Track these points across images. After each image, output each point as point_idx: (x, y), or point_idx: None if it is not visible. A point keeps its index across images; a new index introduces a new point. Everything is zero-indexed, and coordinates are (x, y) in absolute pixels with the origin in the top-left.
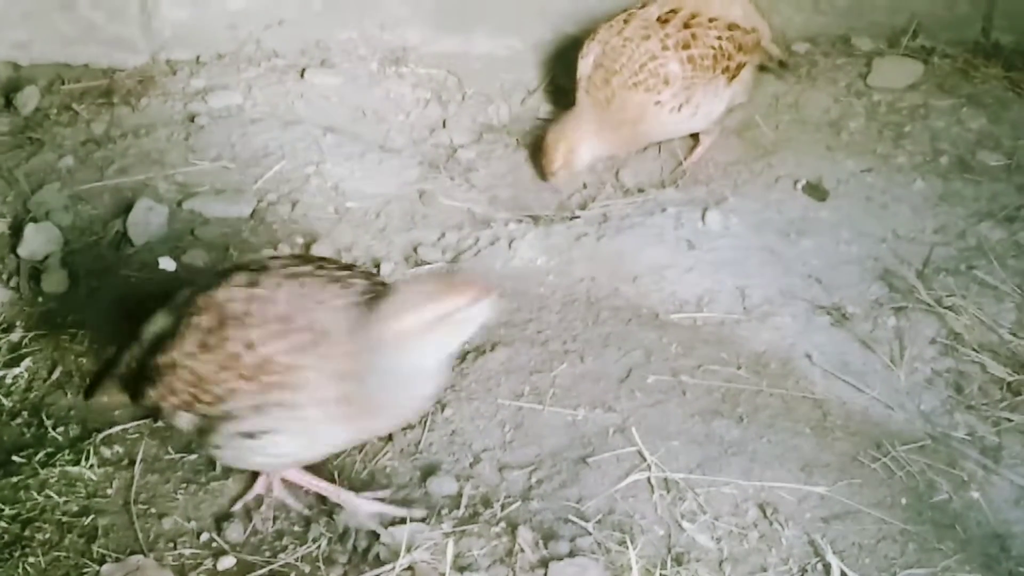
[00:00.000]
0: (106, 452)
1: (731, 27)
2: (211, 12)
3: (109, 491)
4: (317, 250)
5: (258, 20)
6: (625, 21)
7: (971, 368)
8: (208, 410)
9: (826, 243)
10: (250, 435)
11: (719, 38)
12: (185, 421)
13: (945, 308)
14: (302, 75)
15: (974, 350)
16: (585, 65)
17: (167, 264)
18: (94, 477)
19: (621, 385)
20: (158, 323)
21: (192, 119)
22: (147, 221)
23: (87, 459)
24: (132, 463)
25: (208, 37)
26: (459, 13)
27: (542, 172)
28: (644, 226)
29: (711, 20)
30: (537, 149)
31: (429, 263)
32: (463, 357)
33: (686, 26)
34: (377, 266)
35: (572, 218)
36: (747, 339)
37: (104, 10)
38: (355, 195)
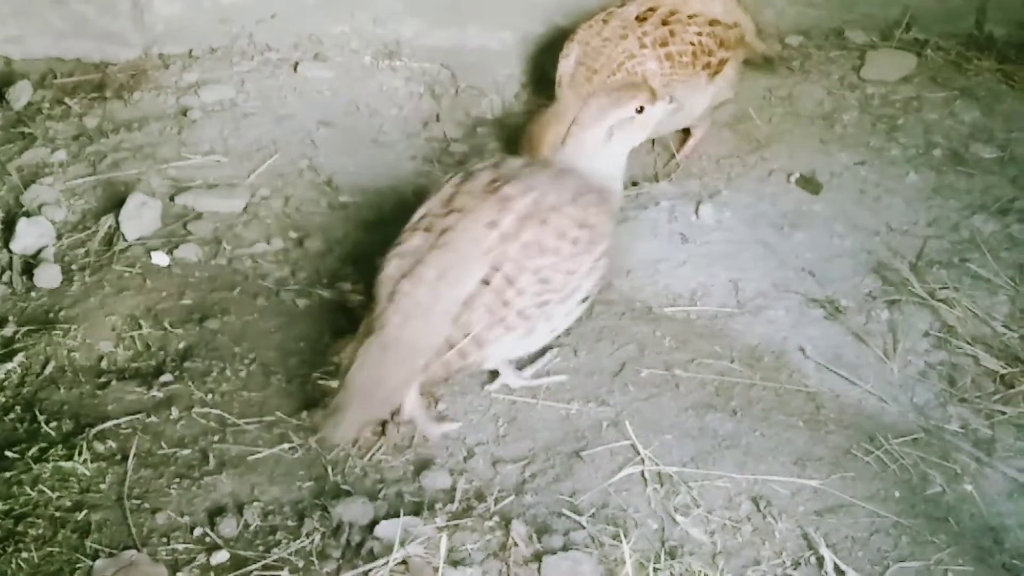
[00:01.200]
0: (99, 447)
1: (712, 23)
2: (203, 6)
3: (102, 486)
4: (309, 245)
5: (251, 14)
6: (604, 21)
7: (964, 361)
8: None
9: (820, 236)
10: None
11: (699, 34)
12: None
13: (938, 301)
14: (295, 69)
15: (967, 343)
16: (567, 64)
17: (160, 259)
18: (87, 472)
19: (615, 379)
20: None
21: (185, 113)
22: (140, 216)
23: (80, 454)
24: (125, 458)
25: (201, 31)
26: (452, 7)
27: None
28: (638, 220)
29: (690, 16)
30: (520, 140)
31: None
32: None
33: (664, 23)
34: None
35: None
36: (740, 332)
37: (96, 4)
38: (348, 189)
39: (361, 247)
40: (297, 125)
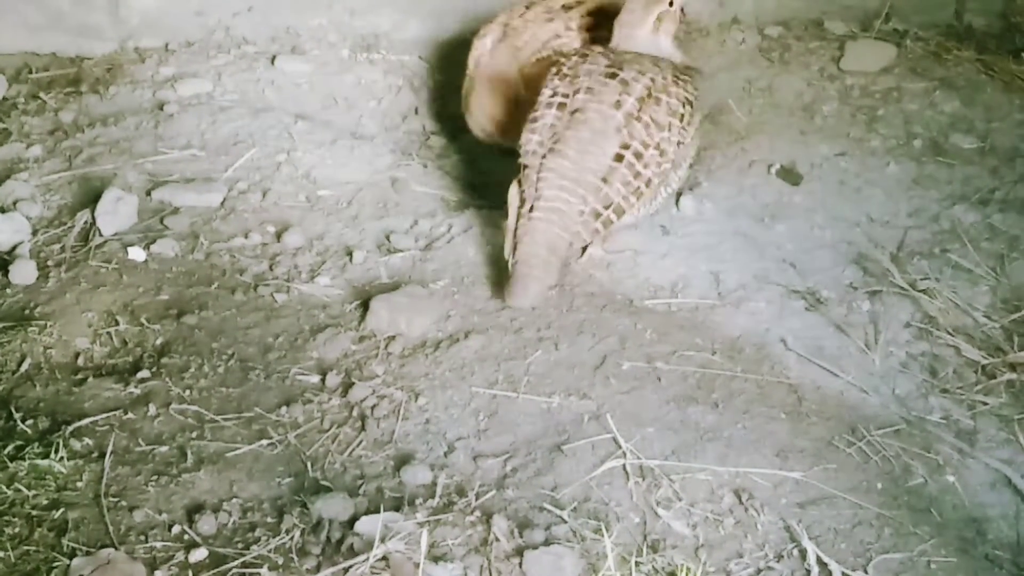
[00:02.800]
0: (76, 444)
1: None
2: None
3: (79, 484)
4: (288, 239)
5: (227, 7)
6: (527, 7)
7: (946, 352)
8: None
9: (800, 227)
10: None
11: None
12: None
13: (919, 292)
14: (272, 62)
15: (949, 333)
16: (483, 44)
17: (137, 254)
18: (64, 470)
19: (596, 372)
20: None
21: (161, 107)
22: (116, 211)
23: (56, 452)
24: (102, 455)
25: (177, 24)
26: None
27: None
28: None
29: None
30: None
31: (402, 251)
32: (436, 345)
33: (590, 14)
34: (349, 254)
35: None
36: (722, 324)
37: None
38: (327, 183)
39: (341, 241)
40: (275, 119)
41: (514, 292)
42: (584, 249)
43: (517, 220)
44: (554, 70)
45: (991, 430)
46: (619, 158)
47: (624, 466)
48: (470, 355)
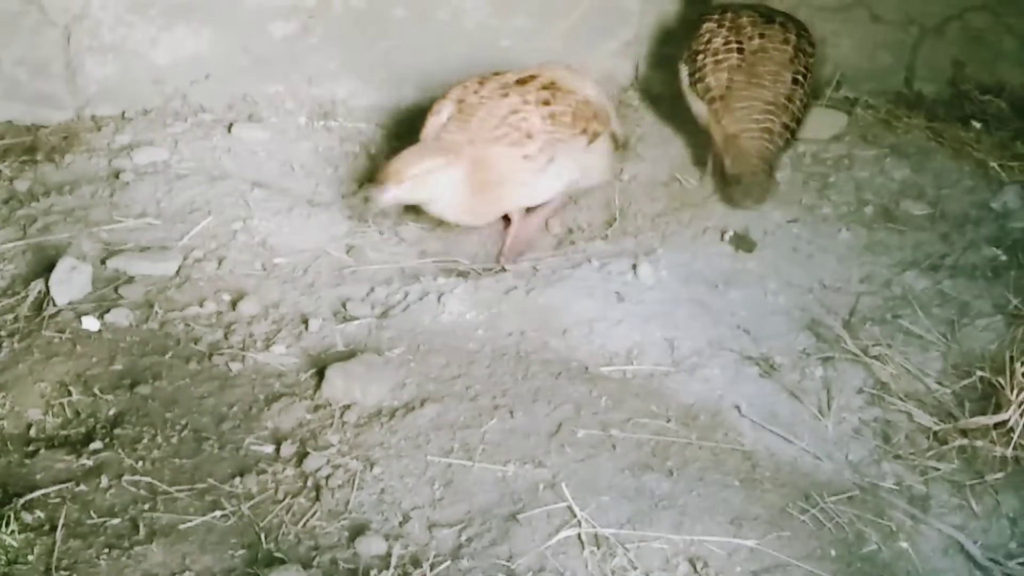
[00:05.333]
0: (27, 517)
1: (586, 98)
2: (136, 67)
3: (30, 557)
4: (243, 307)
5: (184, 75)
6: (480, 83)
7: (898, 417)
8: None
9: (754, 294)
10: None
11: (578, 101)
12: None
13: (871, 358)
14: (229, 130)
15: (901, 399)
16: (437, 120)
17: (90, 324)
18: (15, 543)
19: (551, 440)
20: None
21: (117, 175)
22: (70, 280)
23: (7, 525)
24: (54, 528)
25: (133, 92)
26: (386, 67)
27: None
28: (573, 278)
29: (567, 90)
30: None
31: (358, 319)
32: (392, 414)
33: (544, 88)
34: (305, 323)
35: (501, 270)
36: (676, 391)
37: (28, 66)
38: (283, 250)
39: (296, 309)
40: (231, 187)
41: (742, 201)
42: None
43: (724, 143)
44: (714, 26)
45: (944, 496)
46: (795, 83)
47: (579, 535)
48: (426, 423)
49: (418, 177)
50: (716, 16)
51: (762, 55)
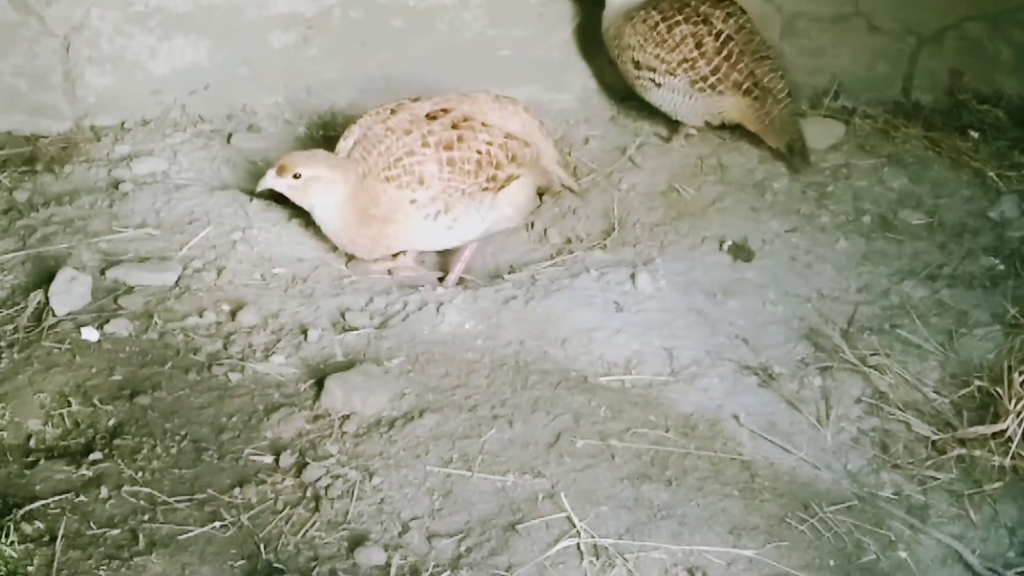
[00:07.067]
0: (27, 528)
1: (508, 136)
2: (135, 78)
3: (30, 568)
4: (243, 317)
5: (183, 86)
6: (392, 111)
7: (896, 427)
8: None
9: (752, 304)
10: None
11: (489, 143)
12: None
13: (870, 367)
14: (228, 140)
15: (899, 409)
16: (345, 146)
17: (90, 334)
18: (15, 554)
19: (550, 450)
20: None
21: (116, 186)
22: (70, 291)
23: (7, 536)
24: (54, 539)
25: (133, 103)
26: (385, 78)
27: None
28: (572, 288)
29: (484, 125)
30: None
31: (357, 329)
32: (391, 424)
33: (454, 127)
34: (304, 333)
35: (500, 279)
36: (675, 401)
37: (27, 77)
38: (282, 260)
39: (295, 319)
40: (230, 197)
41: (798, 163)
42: None
43: (779, 107)
44: (690, 28)
45: (942, 505)
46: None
47: (578, 545)
48: (425, 434)
49: (303, 179)
50: (679, 18)
51: (743, 30)
